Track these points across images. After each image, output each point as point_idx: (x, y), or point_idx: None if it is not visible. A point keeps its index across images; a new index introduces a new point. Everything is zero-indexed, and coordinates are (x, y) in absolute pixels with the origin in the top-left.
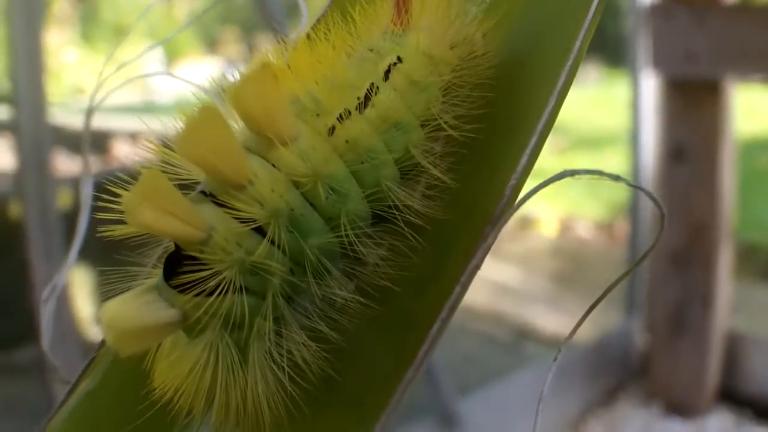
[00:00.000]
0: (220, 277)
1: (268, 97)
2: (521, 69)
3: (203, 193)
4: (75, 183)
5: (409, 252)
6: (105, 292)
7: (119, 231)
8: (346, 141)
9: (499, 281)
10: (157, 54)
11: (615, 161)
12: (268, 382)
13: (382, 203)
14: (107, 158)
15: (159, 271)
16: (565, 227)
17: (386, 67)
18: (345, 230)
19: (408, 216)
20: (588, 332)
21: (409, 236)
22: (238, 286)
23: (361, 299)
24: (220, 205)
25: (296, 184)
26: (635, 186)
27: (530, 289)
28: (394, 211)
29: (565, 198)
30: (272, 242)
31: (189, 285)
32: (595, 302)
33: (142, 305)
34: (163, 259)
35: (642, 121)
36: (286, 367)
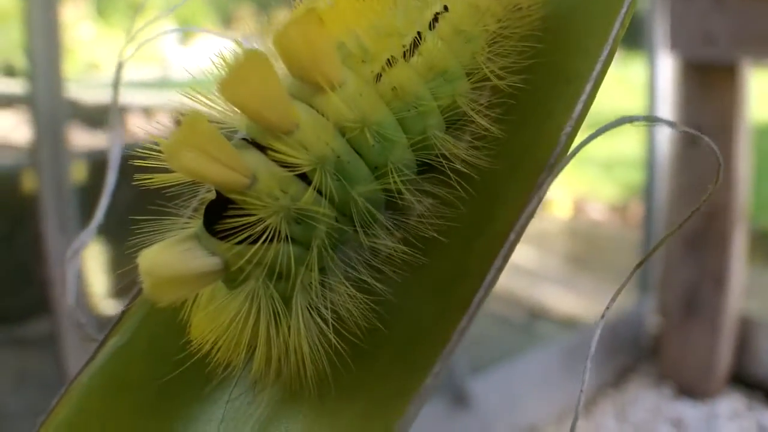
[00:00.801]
0: (265, 224)
1: (315, 39)
2: (570, 19)
3: (245, 140)
4: (89, 156)
5: (457, 202)
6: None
7: (157, 180)
8: (393, 88)
9: (512, 261)
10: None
11: (631, 143)
12: (311, 334)
13: (428, 152)
14: (122, 132)
15: (198, 221)
16: (579, 209)
17: (432, 16)
18: (393, 178)
19: (455, 165)
20: (600, 313)
21: (457, 186)
22: (283, 235)
23: (408, 249)
24: (263, 152)
25: (342, 132)
26: (691, 131)
27: (543, 270)
28: (441, 160)
29: (580, 180)
30: (317, 190)
31: (230, 233)
32: (641, 262)
33: (181, 253)
34: (202, 209)
35: (658, 104)
36: (330, 320)
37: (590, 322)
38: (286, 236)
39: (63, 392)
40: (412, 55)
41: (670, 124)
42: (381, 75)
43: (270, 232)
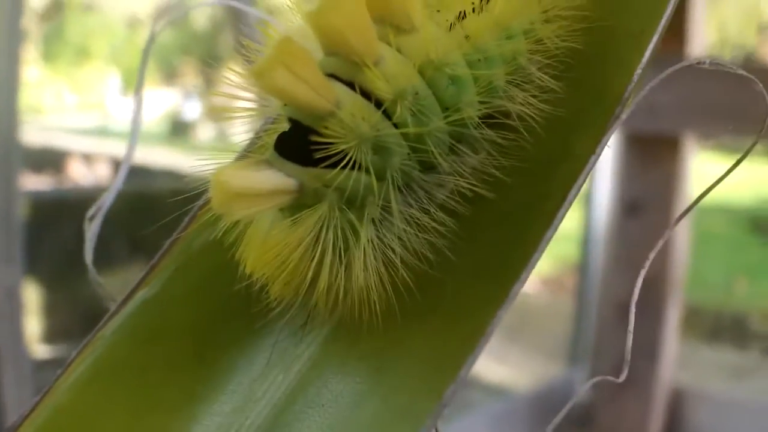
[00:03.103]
0: (345, 149)
1: None
2: None
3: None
4: (30, 197)
5: (525, 144)
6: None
7: (231, 112)
8: (466, 36)
9: None
10: (115, 81)
11: (568, 217)
12: (379, 264)
13: (494, 95)
14: (62, 177)
15: (269, 150)
16: None
17: None
18: (465, 113)
19: (521, 108)
20: (530, 382)
21: (522, 129)
22: (364, 164)
23: (478, 183)
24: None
25: (419, 72)
26: (741, 72)
27: None
28: (506, 103)
29: None
30: (394, 124)
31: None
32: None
33: (255, 171)
34: (275, 138)
35: (598, 178)
36: (398, 249)
37: (519, 390)
38: (363, 166)
39: (82, 347)
40: (481, 11)
41: (733, 68)
42: (453, 25)
43: (349, 159)
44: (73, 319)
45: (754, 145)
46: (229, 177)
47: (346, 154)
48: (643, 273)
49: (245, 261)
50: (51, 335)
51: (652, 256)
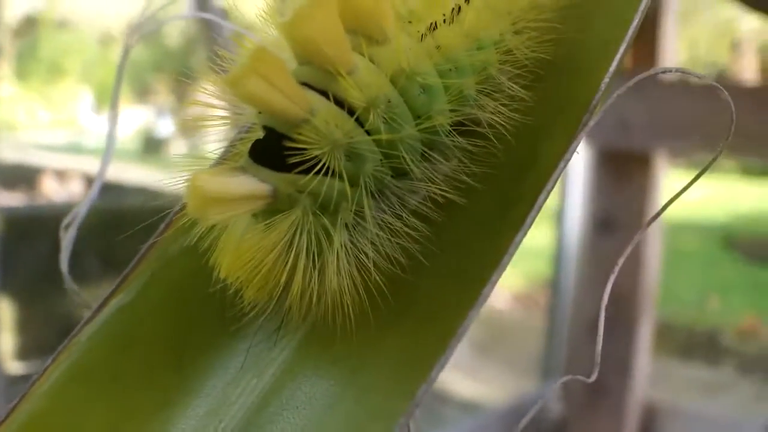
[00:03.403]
0: (318, 156)
1: None
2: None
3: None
4: (6, 213)
5: (495, 151)
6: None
7: (206, 121)
8: (437, 46)
9: None
10: (87, 98)
11: (540, 234)
12: (352, 269)
13: (465, 103)
14: (35, 194)
15: (243, 158)
16: None
17: None
18: (436, 120)
19: (492, 118)
20: (502, 397)
21: (492, 138)
22: (337, 170)
23: (450, 190)
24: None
25: (391, 81)
26: (712, 83)
27: None
28: (477, 112)
29: None
30: (367, 131)
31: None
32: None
33: (229, 177)
34: (249, 146)
35: (570, 194)
36: (371, 254)
37: (491, 406)
38: (336, 172)
39: (57, 353)
40: (452, 22)
41: (699, 76)
42: (424, 35)
43: (323, 165)
44: (47, 334)
45: (721, 151)
46: (204, 182)
47: (320, 160)
48: (612, 278)
49: (220, 266)
50: (24, 351)
51: (621, 261)
